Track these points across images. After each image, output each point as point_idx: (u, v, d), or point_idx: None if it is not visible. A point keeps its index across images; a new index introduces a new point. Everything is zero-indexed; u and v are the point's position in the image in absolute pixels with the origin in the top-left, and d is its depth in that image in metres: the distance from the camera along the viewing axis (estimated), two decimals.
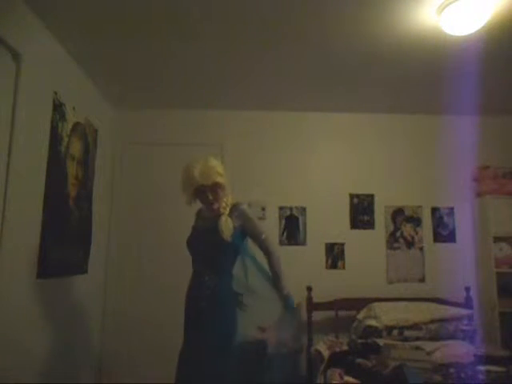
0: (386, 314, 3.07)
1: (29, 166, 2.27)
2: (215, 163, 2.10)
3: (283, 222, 3.67)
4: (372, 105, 3.66)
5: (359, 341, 2.90)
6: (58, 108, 2.57)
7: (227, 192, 2.14)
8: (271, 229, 3.62)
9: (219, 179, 2.07)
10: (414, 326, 3.05)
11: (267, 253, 2.15)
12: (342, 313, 3.39)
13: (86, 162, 3.07)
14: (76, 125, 2.85)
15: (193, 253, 2.16)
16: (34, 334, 2.36)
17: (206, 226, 2.13)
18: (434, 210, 3.74)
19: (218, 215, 2.08)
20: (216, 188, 2.08)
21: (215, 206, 2.10)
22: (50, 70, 2.50)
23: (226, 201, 2.13)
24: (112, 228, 3.58)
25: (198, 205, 2.23)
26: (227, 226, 2.04)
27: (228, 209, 2.11)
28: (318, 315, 3.42)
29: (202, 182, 2.03)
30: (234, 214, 2.10)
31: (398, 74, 3.04)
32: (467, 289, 3.46)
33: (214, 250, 2.07)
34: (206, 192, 2.06)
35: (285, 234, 3.66)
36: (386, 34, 2.49)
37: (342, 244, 3.65)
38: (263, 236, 2.16)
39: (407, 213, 3.73)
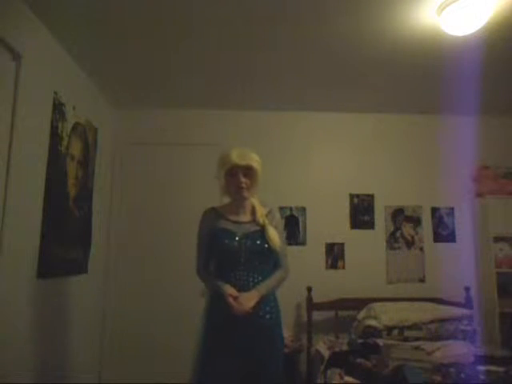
0: (385, 314, 3.07)
1: (29, 166, 2.27)
2: (255, 153, 2.08)
3: (283, 222, 3.67)
4: (372, 105, 3.66)
5: (359, 341, 2.89)
6: (57, 108, 2.57)
7: (258, 184, 2.11)
8: None
9: (255, 164, 2.04)
10: (414, 326, 3.05)
11: (281, 266, 2.10)
12: (342, 313, 3.39)
13: (86, 161, 3.07)
14: (76, 125, 2.85)
15: (233, 257, 2.00)
16: (34, 334, 2.36)
17: (248, 231, 2.04)
18: (434, 210, 3.75)
19: (254, 222, 2.06)
20: (249, 172, 2.04)
21: (243, 191, 2.04)
22: (50, 70, 2.50)
23: (254, 194, 2.12)
24: (112, 228, 3.58)
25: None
26: (275, 235, 2.03)
27: (264, 214, 2.09)
28: (317, 315, 3.42)
29: (236, 161, 2.00)
30: (272, 223, 2.08)
31: (398, 74, 3.04)
32: (467, 289, 3.46)
33: (261, 257, 2.02)
34: (238, 174, 2.02)
35: (285, 234, 3.66)
36: (385, 33, 2.49)
37: (342, 244, 3.65)
38: (285, 252, 2.15)
39: (407, 213, 3.73)
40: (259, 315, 1.95)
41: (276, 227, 2.09)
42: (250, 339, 1.93)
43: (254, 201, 2.15)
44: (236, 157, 2.01)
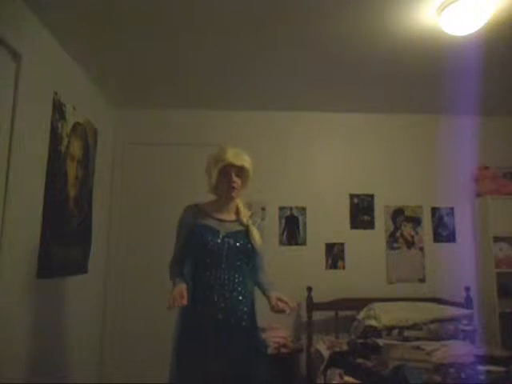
0: (385, 314, 3.07)
1: (29, 166, 2.27)
2: (248, 156, 2.09)
3: (283, 221, 3.67)
4: (372, 105, 3.66)
5: (359, 341, 2.90)
6: (57, 108, 2.57)
7: (247, 186, 2.12)
8: (271, 229, 3.63)
9: (248, 166, 2.06)
10: (414, 326, 3.05)
11: (261, 268, 2.13)
12: (342, 313, 3.39)
13: (86, 161, 3.07)
14: (76, 125, 2.85)
15: (215, 255, 1.99)
16: (34, 334, 2.36)
17: (232, 230, 2.04)
18: (434, 210, 3.75)
19: (237, 222, 2.07)
20: (242, 172, 2.06)
21: (234, 191, 2.05)
22: (50, 70, 2.50)
23: (240, 195, 2.13)
24: (112, 228, 3.58)
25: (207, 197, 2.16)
26: (258, 236, 2.05)
27: (248, 216, 2.10)
28: (318, 315, 3.42)
29: (232, 160, 2.00)
30: (254, 225, 2.09)
31: (398, 74, 3.04)
32: (467, 289, 3.46)
33: (243, 256, 2.03)
34: (231, 172, 2.03)
35: (285, 233, 3.66)
36: (385, 34, 2.49)
37: (342, 244, 3.65)
38: (265, 257, 2.17)
39: (407, 213, 3.73)
40: (238, 316, 1.94)
41: (258, 230, 2.10)
42: (227, 342, 1.91)
43: (239, 201, 2.14)
44: (231, 156, 2.01)
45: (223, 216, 2.08)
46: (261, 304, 3.28)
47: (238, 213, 2.11)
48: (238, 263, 2.00)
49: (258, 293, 2.08)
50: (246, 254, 2.03)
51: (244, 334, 1.95)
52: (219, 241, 1.99)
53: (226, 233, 2.02)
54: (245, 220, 2.07)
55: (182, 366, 1.93)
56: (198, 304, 1.94)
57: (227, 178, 2.03)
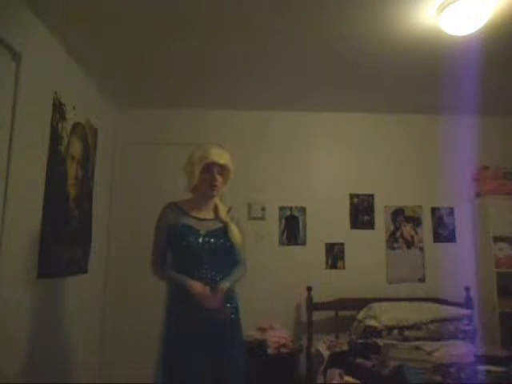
0: (386, 314, 3.07)
1: (29, 166, 2.27)
2: (229, 155, 2.12)
3: (283, 221, 3.67)
4: (372, 105, 3.66)
5: (359, 341, 2.90)
6: (57, 108, 2.57)
7: (226, 184, 2.15)
8: (271, 229, 3.63)
9: (230, 165, 2.08)
10: (414, 326, 3.05)
11: (240, 262, 2.13)
12: (342, 313, 3.39)
13: (86, 161, 3.07)
14: (76, 125, 2.85)
15: (197, 255, 1.99)
16: (34, 334, 2.36)
17: (211, 228, 2.04)
18: (434, 210, 3.75)
19: (216, 219, 2.08)
20: (224, 171, 2.08)
21: (215, 190, 2.07)
22: (50, 70, 2.50)
23: (221, 194, 2.16)
24: (112, 228, 3.58)
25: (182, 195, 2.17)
26: (237, 232, 2.07)
27: (226, 212, 2.12)
28: (317, 315, 3.42)
29: (215, 159, 2.03)
30: (232, 221, 2.10)
31: (398, 74, 3.04)
32: (467, 289, 3.46)
33: (224, 254, 2.04)
34: (213, 170, 2.04)
35: (285, 233, 3.66)
36: (386, 33, 2.49)
37: (342, 244, 3.65)
38: (244, 253, 2.17)
39: (407, 213, 3.73)
40: (224, 313, 1.97)
41: (237, 225, 2.11)
42: (214, 337, 1.93)
43: (217, 199, 2.15)
44: (215, 154, 2.04)
45: (202, 214, 2.09)
46: (260, 304, 3.29)
47: (216, 210, 2.11)
48: (220, 261, 2.01)
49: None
50: (226, 252, 2.04)
51: (233, 329, 2.00)
52: (200, 240, 2.00)
53: (206, 232, 2.02)
54: (223, 217, 2.08)
55: (168, 367, 1.96)
56: (183, 304, 1.96)
57: (209, 175, 2.05)
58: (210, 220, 2.08)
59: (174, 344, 1.97)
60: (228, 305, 1.99)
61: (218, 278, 1.97)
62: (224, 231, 2.05)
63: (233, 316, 2.02)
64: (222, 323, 1.96)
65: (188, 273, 1.96)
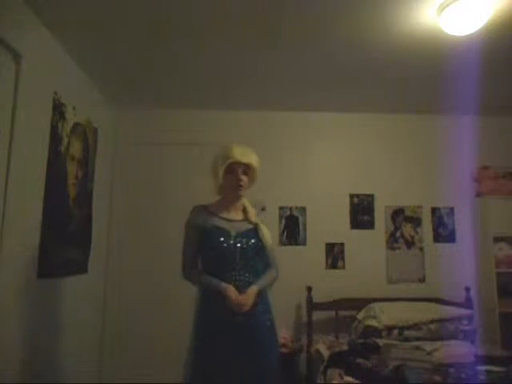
0: (386, 314, 3.07)
1: (29, 166, 2.27)
2: (254, 153, 2.07)
3: (283, 221, 3.67)
4: (372, 105, 3.67)
5: (359, 341, 2.90)
6: (57, 108, 2.57)
7: (253, 184, 2.10)
8: (271, 229, 3.61)
9: (255, 164, 2.03)
10: (414, 326, 3.05)
11: (272, 266, 2.08)
12: (342, 313, 3.39)
13: (86, 161, 3.07)
14: (76, 125, 2.85)
15: (228, 256, 1.94)
16: (34, 334, 2.36)
17: (242, 229, 2.01)
18: (434, 210, 3.75)
19: (246, 220, 2.04)
20: (249, 170, 2.03)
21: (241, 190, 2.02)
22: (50, 70, 2.50)
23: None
24: (112, 228, 3.58)
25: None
26: (268, 233, 2.04)
27: (255, 214, 2.09)
28: (317, 315, 3.42)
29: (239, 158, 1.97)
30: (262, 222, 2.09)
31: (398, 74, 3.04)
32: (467, 289, 3.46)
33: (255, 255, 1.99)
34: (238, 170, 1.99)
35: (285, 233, 3.66)
36: (385, 34, 2.49)
37: (342, 244, 3.65)
38: (274, 252, 2.14)
39: (407, 213, 3.73)
40: (256, 316, 1.90)
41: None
42: (246, 343, 1.87)
43: (245, 200, 2.12)
44: (238, 154, 1.98)
45: (231, 215, 2.05)
46: None
47: (245, 211, 2.08)
48: (252, 263, 1.97)
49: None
50: (257, 253, 2.00)
51: (266, 336, 1.93)
52: (231, 241, 1.95)
53: (236, 233, 1.98)
54: (253, 218, 2.05)
55: (197, 371, 1.90)
56: (215, 308, 1.90)
57: (234, 176, 2.00)
58: (239, 221, 2.04)
59: (204, 349, 1.91)
60: (261, 310, 1.94)
61: (251, 281, 1.92)
62: (254, 232, 2.01)
63: (268, 322, 1.96)
64: (254, 329, 1.90)
65: (219, 275, 1.91)
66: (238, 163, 1.98)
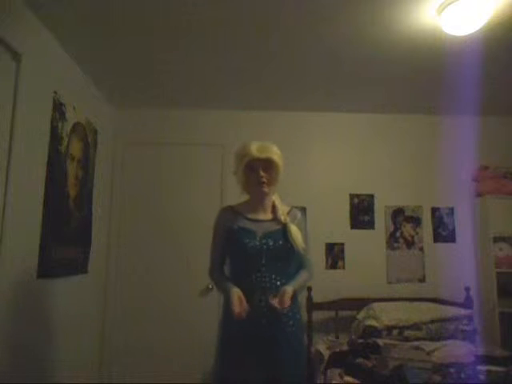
0: (386, 314, 3.07)
1: (29, 166, 2.27)
2: (276, 147, 1.96)
3: None
4: (372, 105, 3.66)
5: (359, 341, 2.90)
6: (57, 108, 2.57)
7: (278, 179, 1.98)
8: None
9: (276, 158, 1.91)
10: (414, 326, 3.05)
11: (305, 267, 1.99)
12: (342, 313, 3.39)
13: (86, 161, 3.07)
14: (76, 125, 2.85)
15: (254, 258, 1.87)
16: (34, 334, 2.36)
17: (269, 230, 1.91)
18: (434, 210, 3.75)
19: (275, 220, 1.94)
20: (270, 166, 1.91)
21: (264, 187, 1.91)
22: (50, 70, 2.50)
23: (274, 190, 2.00)
24: (112, 228, 3.58)
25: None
26: (298, 235, 1.91)
27: (286, 212, 1.98)
28: (318, 315, 3.41)
29: (256, 154, 1.87)
30: (294, 222, 1.96)
31: (397, 74, 3.04)
32: (467, 289, 3.46)
33: (284, 257, 1.90)
34: (257, 168, 1.90)
35: None
36: (385, 33, 2.49)
37: (342, 244, 3.65)
38: (310, 256, 2.04)
39: (407, 213, 3.73)
40: (282, 322, 1.83)
41: (299, 227, 1.96)
42: (271, 348, 1.81)
43: (275, 198, 2.02)
44: (255, 149, 1.89)
45: (259, 216, 1.96)
46: None
47: (274, 210, 1.98)
48: (279, 265, 1.88)
49: None
50: (286, 255, 1.89)
51: (291, 339, 1.85)
52: (257, 243, 1.87)
53: (263, 233, 1.89)
54: (282, 218, 1.93)
55: (225, 373, 1.87)
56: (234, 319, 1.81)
57: (254, 173, 1.91)
58: (267, 221, 1.95)
59: (228, 359, 1.86)
60: (290, 313, 1.84)
61: (279, 283, 1.83)
62: (283, 232, 1.90)
63: (293, 328, 1.86)
64: (276, 338, 1.81)
65: (245, 278, 1.85)
66: (257, 160, 1.89)
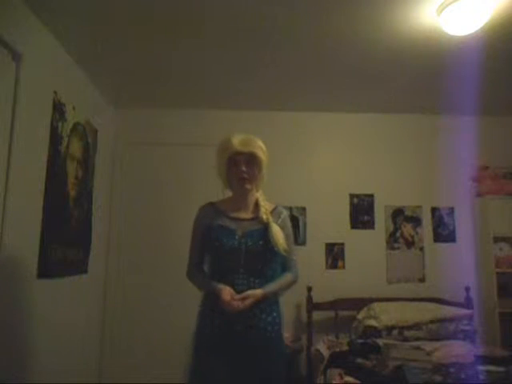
0: (385, 314, 3.07)
1: (29, 166, 2.27)
2: (260, 141, 1.85)
3: None
4: (372, 105, 3.66)
5: (359, 341, 2.90)
6: (57, 108, 2.57)
7: (263, 176, 1.89)
8: None
9: (259, 152, 1.81)
10: (414, 326, 3.05)
11: (289, 269, 1.90)
12: (342, 313, 3.39)
13: (86, 162, 3.07)
14: (76, 125, 2.85)
15: (232, 259, 1.76)
16: (33, 334, 2.36)
17: (249, 229, 1.80)
18: (434, 210, 3.74)
19: (257, 219, 1.82)
20: (253, 160, 1.81)
21: (246, 183, 1.81)
22: (50, 70, 2.50)
23: (258, 187, 1.89)
24: (112, 228, 3.58)
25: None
26: (280, 235, 1.78)
27: (269, 211, 1.86)
28: (318, 315, 3.42)
29: (238, 148, 1.77)
30: (277, 221, 1.84)
31: (397, 74, 3.04)
32: (467, 289, 3.46)
33: (263, 259, 1.78)
34: (240, 163, 1.79)
35: None
36: (385, 33, 2.49)
37: (342, 244, 3.65)
38: (295, 257, 1.95)
39: (407, 213, 3.73)
40: (259, 327, 1.72)
41: (283, 226, 1.84)
42: (248, 355, 1.71)
43: (259, 195, 1.90)
44: (238, 143, 1.78)
45: (241, 214, 1.85)
46: None
47: (257, 209, 1.85)
48: (259, 267, 1.76)
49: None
50: (266, 256, 1.78)
51: (267, 348, 1.74)
52: (236, 242, 1.76)
53: (242, 233, 1.78)
54: (264, 217, 1.81)
55: (196, 380, 1.78)
56: (216, 316, 1.74)
57: (236, 168, 1.80)
58: (248, 220, 1.83)
59: (203, 360, 1.76)
60: (269, 318, 1.75)
61: (257, 286, 1.72)
62: (264, 233, 1.77)
63: (273, 334, 1.75)
64: (257, 338, 1.71)
65: (223, 278, 1.74)
66: (240, 154, 1.79)
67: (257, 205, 1.87)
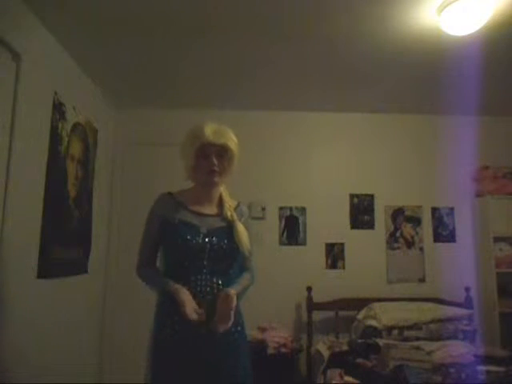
0: (385, 314, 3.07)
1: (29, 166, 2.27)
2: (232, 132, 1.75)
3: (283, 221, 3.67)
4: (372, 105, 3.66)
5: (359, 341, 2.90)
6: (57, 108, 2.57)
7: (232, 170, 1.78)
8: (271, 229, 3.63)
9: (232, 145, 1.71)
10: (414, 326, 3.05)
11: (248, 270, 1.81)
12: (342, 313, 3.39)
13: (86, 162, 3.07)
14: (76, 125, 2.85)
15: (195, 257, 1.65)
16: (33, 334, 2.36)
17: (215, 227, 1.71)
18: (434, 210, 3.75)
19: (220, 215, 1.74)
20: (225, 153, 1.71)
21: (215, 176, 1.70)
22: (50, 70, 2.50)
23: (223, 182, 1.78)
24: (112, 228, 3.58)
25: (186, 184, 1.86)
26: (245, 235, 1.71)
27: (233, 208, 1.77)
28: (317, 315, 3.42)
29: (211, 139, 1.66)
30: (240, 219, 1.76)
31: (398, 74, 3.04)
32: (467, 289, 3.46)
33: (227, 258, 1.70)
34: (211, 155, 1.68)
35: (285, 233, 3.66)
36: (385, 33, 2.49)
37: (342, 244, 3.65)
38: (251, 253, 1.80)
39: (407, 213, 3.73)
40: (224, 333, 1.58)
41: (246, 226, 1.77)
42: (213, 358, 1.60)
43: (223, 190, 1.81)
44: (210, 133, 1.67)
45: (204, 209, 1.74)
46: (260, 304, 3.27)
47: (220, 204, 1.77)
48: (222, 267, 1.67)
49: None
50: (230, 256, 1.69)
51: (235, 349, 1.66)
52: (200, 240, 1.65)
53: (207, 230, 1.68)
54: (229, 214, 1.73)
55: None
56: (175, 317, 1.59)
57: (206, 159, 1.69)
58: (212, 216, 1.73)
59: (165, 361, 1.62)
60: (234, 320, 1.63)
61: (221, 287, 1.62)
62: (229, 231, 1.70)
63: (236, 329, 1.66)
64: (221, 337, 1.59)
65: (183, 279, 1.62)
66: (211, 145, 1.68)
67: (220, 200, 1.79)
